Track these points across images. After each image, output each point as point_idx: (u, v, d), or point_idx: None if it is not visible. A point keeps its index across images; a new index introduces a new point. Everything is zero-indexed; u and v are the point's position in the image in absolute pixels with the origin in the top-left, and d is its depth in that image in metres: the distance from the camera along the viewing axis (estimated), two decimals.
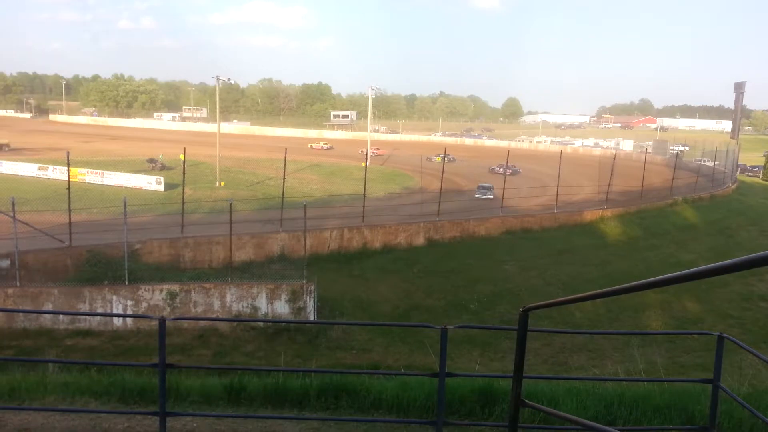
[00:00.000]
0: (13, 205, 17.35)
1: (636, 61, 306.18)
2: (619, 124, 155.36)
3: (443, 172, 28.71)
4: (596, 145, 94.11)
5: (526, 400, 3.71)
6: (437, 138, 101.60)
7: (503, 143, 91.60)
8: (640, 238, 29.72)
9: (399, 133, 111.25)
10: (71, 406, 6.17)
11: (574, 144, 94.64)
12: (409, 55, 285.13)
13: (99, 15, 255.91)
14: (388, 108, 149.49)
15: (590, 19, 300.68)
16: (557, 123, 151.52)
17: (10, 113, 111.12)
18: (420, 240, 25.96)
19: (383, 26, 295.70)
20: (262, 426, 5.85)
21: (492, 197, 33.87)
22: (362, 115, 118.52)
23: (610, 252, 27.33)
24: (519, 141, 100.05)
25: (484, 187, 35.93)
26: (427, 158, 60.69)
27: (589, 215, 31.44)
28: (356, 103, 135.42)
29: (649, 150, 63.29)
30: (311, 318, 17.65)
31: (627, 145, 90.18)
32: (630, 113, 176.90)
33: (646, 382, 6.99)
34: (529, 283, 22.74)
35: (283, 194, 23.87)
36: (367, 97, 74.34)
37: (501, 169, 61.30)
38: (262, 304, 17.75)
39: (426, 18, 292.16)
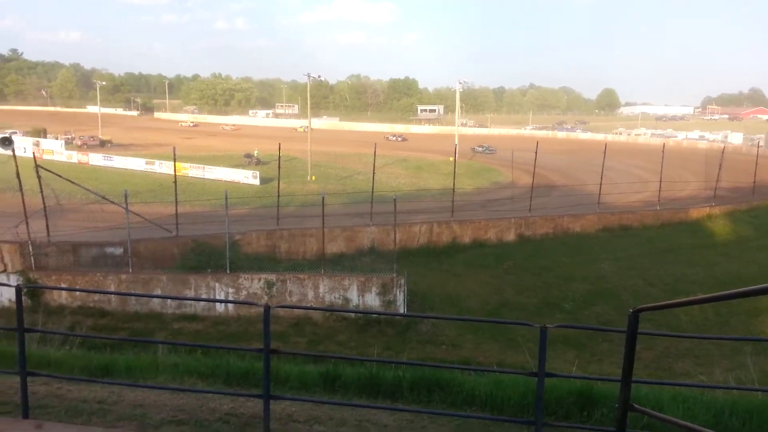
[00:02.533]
0: (126, 197, 18.76)
1: (745, 47, 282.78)
2: (726, 116, 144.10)
3: (535, 166, 27.95)
4: (701, 137, 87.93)
5: (635, 405, 3.56)
6: (527, 131, 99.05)
7: (599, 136, 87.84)
8: (752, 237, 27.53)
9: (487, 126, 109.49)
10: (180, 386, 6.51)
11: (676, 137, 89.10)
12: (498, 47, 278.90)
13: (197, 16, 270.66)
14: (476, 101, 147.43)
15: (694, 1, 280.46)
16: (658, 115, 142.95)
17: (119, 111, 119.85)
18: (510, 236, 25.45)
19: (470, 18, 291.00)
20: (357, 414, 5.96)
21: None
22: (449, 109, 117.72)
23: (718, 252, 25.51)
24: (616, 134, 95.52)
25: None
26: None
27: (695, 212, 29.50)
28: (443, 97, 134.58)
29: (761, 143, 58.38)
30: (401, 311, 17.81)
31: (736, 138, 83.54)
32: (738, 104, 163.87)
33: (760, 393, 6.49)
34: (629, 283, 21.69)
35: (372, 188, 24.18)
36: (454, 91, 73.69)
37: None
38: (354, 295, 18.13)
39: (514, 7, 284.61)
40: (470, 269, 22.10)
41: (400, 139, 75.37)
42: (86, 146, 55.36)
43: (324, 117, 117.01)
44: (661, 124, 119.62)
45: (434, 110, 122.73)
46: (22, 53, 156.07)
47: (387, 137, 75.17)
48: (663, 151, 30.26)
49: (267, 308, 5.19)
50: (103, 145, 58.82)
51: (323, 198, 18.86)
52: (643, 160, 48.28)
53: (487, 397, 6.22)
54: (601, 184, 28.06)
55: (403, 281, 18.29)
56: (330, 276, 18.29)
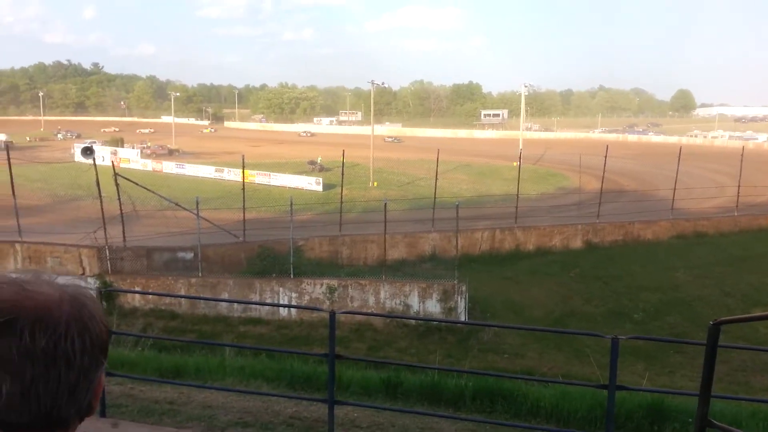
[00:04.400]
0: (197, 204, 19.53)
1: None
2: None
3: (604, 171, 27.05)
4: None
5: (713, 421, 3.36)
6: (595, 135, 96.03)
7: (672, 139, 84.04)
8: None
9: (553, 131, 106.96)
10: (246, 388, 6.64)
11: (757, 139, 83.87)
12: (565, 50, 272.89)
13: (267, 29, 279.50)
14: (542, 105, 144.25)
15: None
16: (736, 116, 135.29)
17: (191, 121, 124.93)
18: (577, 243, 24.70)
19: (536, 21, 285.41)
20: (419, 422, 5.91)
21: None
22: (513, 113, 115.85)
23: None
24: (691, 136, 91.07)
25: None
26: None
27: None
28: (507, 102, 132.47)
29: None
30: (462, 318, 17.63)
31: None
32: None
33: None
34: (704, 292, 20.58)
35: (435, 194, 24.11)
36: (519, 95, 72.45)
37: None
38: (414, 302, 18.10)
39: (581, 7, 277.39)
40: (534, 277, 21.60)
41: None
42: (155, 155, 57.93)
43: (387, 123, 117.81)
44: (740, 126, 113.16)
45: (498, 115, 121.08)
46: (102, 67, 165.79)
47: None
48: (742, 154, 28.62)
49: (332, 314, 5.25)
50: (171, 153, 61.41)
51: (385, 204, 18.95)
52: (720, 164, 45.80)
53: (552, 408, 6.04)
54: (674, 189, 26.82)
55: (464, 288, 18.09)
56: (391, 282, 18.34)
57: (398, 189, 38.06)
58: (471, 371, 9.01)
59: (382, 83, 59.85)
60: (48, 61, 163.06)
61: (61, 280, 0.90)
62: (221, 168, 46.09)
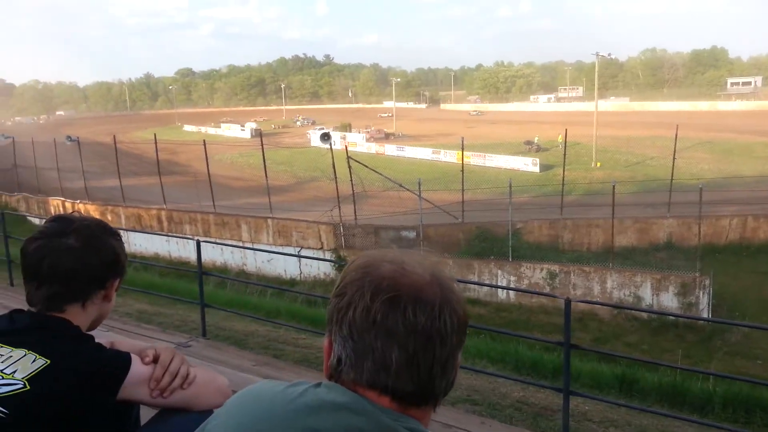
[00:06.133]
0: (419, 185, 20.43)
1: None
2: None
3: None
4: None
5: None
6: None
7: None
8: None
9: None
10: (473, 366, 6.78)
11: None
12: None
13: (482, 6, 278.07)
14: None
15: None
16: None
17: (410, 105, 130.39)
18: None
19: None
20: (658, 423, 5.47)
21: None
22: None
23: None
24: None
25: None
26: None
27: None
28: (762, 67, 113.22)
29: None
30: (704, 315, 15.75)
31: None
32: None
33: None
34: None
35: (672, 175, 21.77)
36: None
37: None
38: (646, 294, 16.64)
39: None
40: None
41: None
42: (373, 138, 61.71)
43: (612, 98, 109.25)
44: None
45: (749, 83, 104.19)
46: (333, 58, 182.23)
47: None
48: None
49: (568, 302, 5.10)
50: (387, 137, 64.95)
51: (614, 186, 17.69)
52: None
53: None
54: None
55: (707, 282, 16.10)
56: (619, 271, 17.10)
57: (625, 170, 35.16)
58: (723, 375, 8.07)
59: (609, 55, 55.38)
60: (288, 55, 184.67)
61: (423, 261, 0.99)
62: (438, 150, 47.41)
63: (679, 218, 20.53)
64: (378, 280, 0.92)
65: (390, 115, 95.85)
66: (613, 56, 73.43)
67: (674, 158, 22.30)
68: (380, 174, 24.47)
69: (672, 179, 21.69)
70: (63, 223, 1.46)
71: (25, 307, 1.47)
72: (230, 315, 7.90)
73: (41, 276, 1.41)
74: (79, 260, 1.42)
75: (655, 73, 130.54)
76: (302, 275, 20.66)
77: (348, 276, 0.96)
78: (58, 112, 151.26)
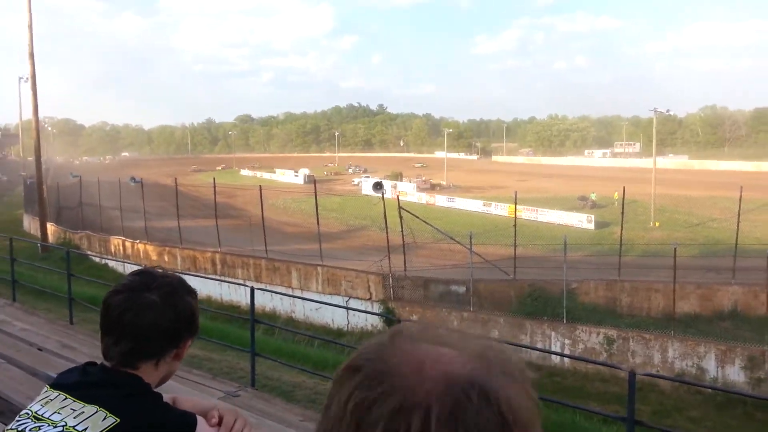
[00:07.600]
0: (471, 238, 20.17)
1: None
2: None
3: None
4: None
5: None
6: None
7: None
8: None
9: None
10: None
11: None
12: None
13: (537, 59, 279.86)
14: None
15: None
16: None
17: (462, 156, 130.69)
18: None
19: None
20: None
21: None
22: None
23: None
24: None
25: None
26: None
27: None
28: None
29: None
30: None
31: None
32: None
33: None
34: None
35: (737, 239, 20.79)
36: None
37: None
38: (711, 365, 15.65)
39: None
40: None
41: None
42: (419, 188, 62.00)
43: (670, 155, 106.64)
44: None
45: None
46: (386, 107, 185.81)
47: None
48: None
49: (632, 374, 4.83)
50: (433, 188, 65.14)
51: (675, 249, 16.98)
52: None
53: None
54: None
55: None
56: (681, 339, 16.21)
57: (685, 230, 33.85)
58: None
59: (667, 110, 54.35)
60: (343, 103, 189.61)
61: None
62: (489, 202, 47.06)
63: (744, 285, 19.45)
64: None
65: (423, 165, 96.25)
66: (671, 112, 71.99)
67: (738, 220, 21.30)
68: (432, 226, 24.35)
69: (737, 243, 20.70)
70: (146, 278, 1.49)
71: (84, 349, 1.49)
72: (278, 364, 7.88)
73: (121, 330, 1.43)
74: (159, 316, 1.44)
75: (716, 131, 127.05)
76: (350, 325, 20.52)
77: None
78: (123, 153, 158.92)
